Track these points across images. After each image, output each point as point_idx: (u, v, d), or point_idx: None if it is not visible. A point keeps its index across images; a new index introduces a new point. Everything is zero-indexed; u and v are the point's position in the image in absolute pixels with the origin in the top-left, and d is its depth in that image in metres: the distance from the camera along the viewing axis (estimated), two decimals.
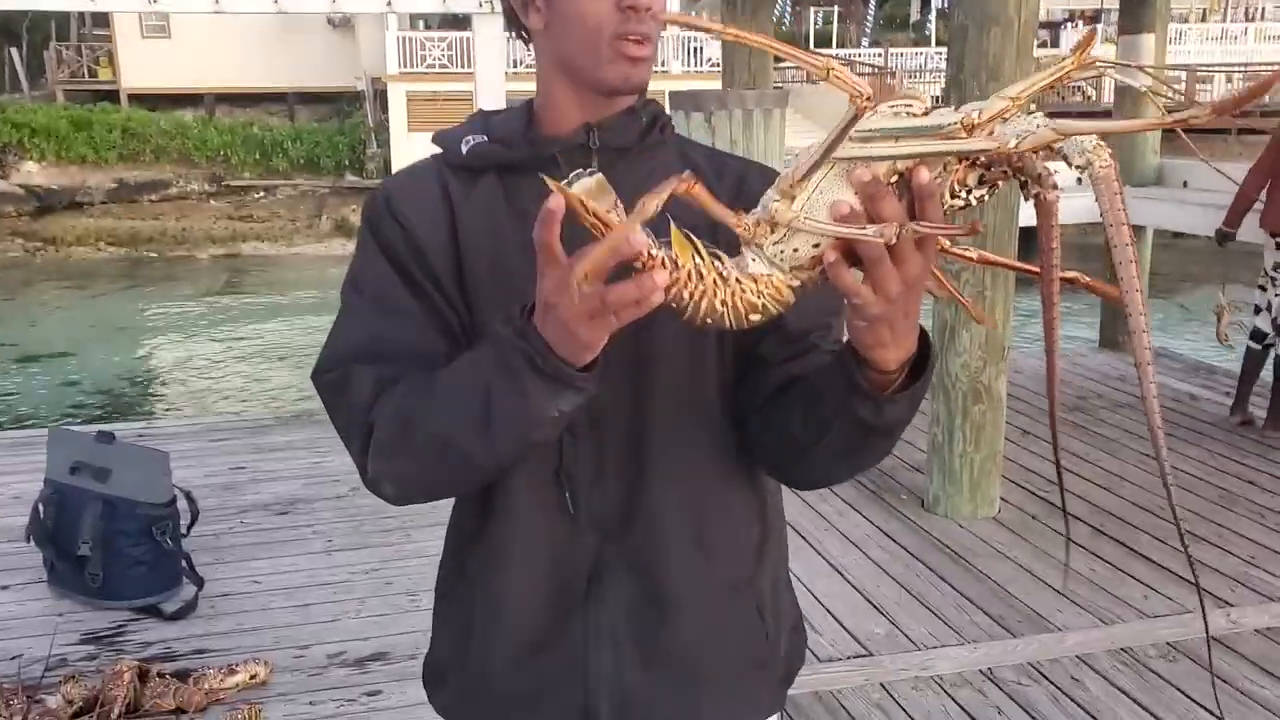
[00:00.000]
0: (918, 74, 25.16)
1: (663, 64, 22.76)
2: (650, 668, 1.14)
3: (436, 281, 1.08)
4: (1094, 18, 30.86)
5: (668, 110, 1.23)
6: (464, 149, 1.12)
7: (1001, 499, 4.03)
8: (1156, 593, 3.36)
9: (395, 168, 24.12)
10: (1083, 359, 6.31)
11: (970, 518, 3.92)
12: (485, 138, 1.12)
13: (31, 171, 21.76)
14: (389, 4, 5.17)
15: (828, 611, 3.26)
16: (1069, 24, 30.63)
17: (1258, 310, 4.93)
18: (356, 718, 2.71)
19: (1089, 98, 23.14)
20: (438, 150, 1.16)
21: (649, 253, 0.81)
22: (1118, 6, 6.71)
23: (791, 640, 1.27)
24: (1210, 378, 5.88)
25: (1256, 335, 4.93)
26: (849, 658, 3.01)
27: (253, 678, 2.81)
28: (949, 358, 3.87)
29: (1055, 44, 28.21)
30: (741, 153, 2.49)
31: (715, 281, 0.83)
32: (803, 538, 3.77)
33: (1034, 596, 3.34)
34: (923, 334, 0.91)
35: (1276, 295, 4.81)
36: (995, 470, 3.97)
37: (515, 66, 20.02)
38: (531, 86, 1.16)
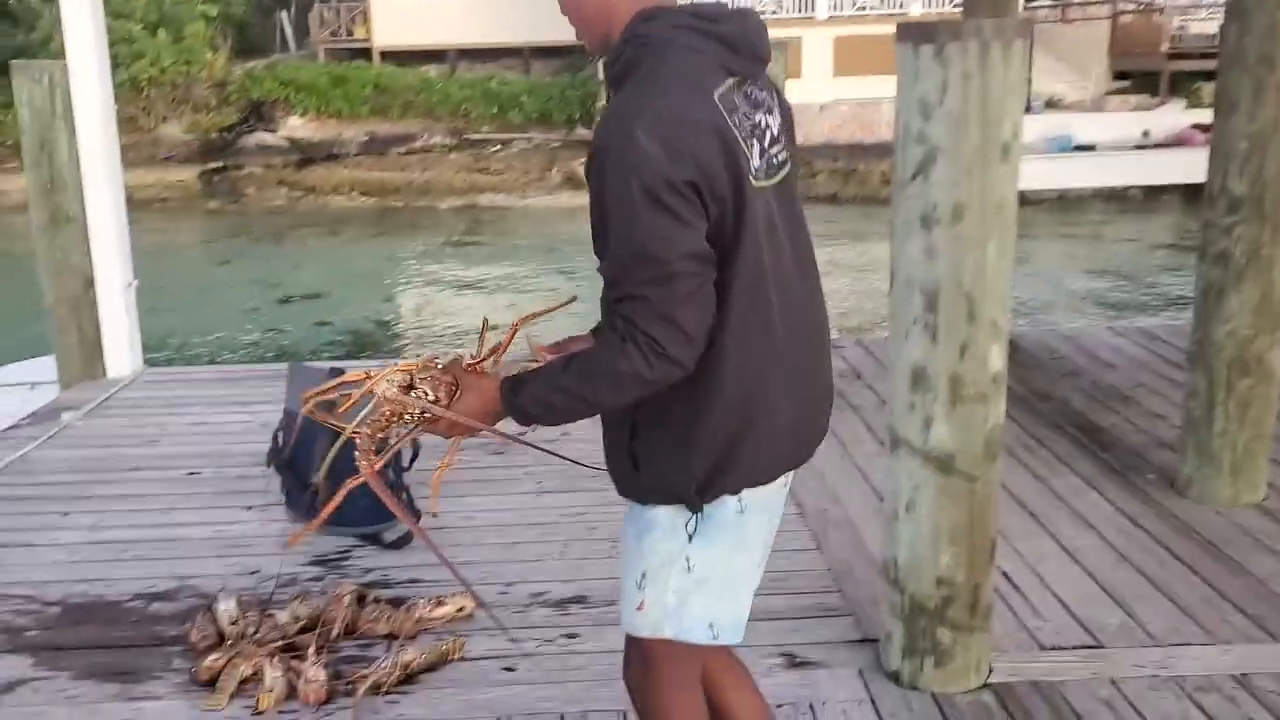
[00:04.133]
0: None
1: (900, 5, 22.08)
2: None
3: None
4: None
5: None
6: None
7: (1269, 485, 3.57)
8: None
9: None
10: None
11: (1229, 504, 3.49)
12: None
13: (296, 125, 23.63)
14: None
15: (1055, 596, 2.99)
16: None
17: None
18: (553, 659, 2.74)
19: None
20: None
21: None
22: None
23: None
24: None
25: None
26: (1075, 648, 2.75)
27: (459, 610, 2.89)
28: (1214, 324, 3.43)
29: None
30: (977, 92, 2.23)
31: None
32: (1032, 516, 3.48)
33: None
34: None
35: None
36: (1263, 453, 3.51)
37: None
38: None
